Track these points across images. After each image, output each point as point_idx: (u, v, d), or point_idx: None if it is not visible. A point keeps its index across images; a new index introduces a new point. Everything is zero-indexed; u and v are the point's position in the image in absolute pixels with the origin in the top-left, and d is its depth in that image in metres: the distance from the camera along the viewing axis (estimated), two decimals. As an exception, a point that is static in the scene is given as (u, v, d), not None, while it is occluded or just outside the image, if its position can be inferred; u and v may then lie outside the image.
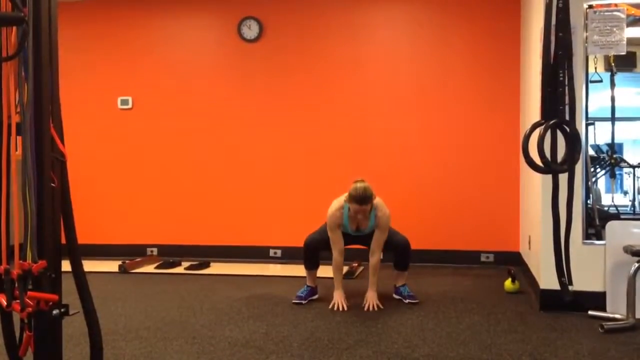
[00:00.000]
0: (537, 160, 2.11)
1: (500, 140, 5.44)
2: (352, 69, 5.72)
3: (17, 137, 1.80)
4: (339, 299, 3.93)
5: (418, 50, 5.66)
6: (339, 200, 4.02)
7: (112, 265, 5.33)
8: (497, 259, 5.44)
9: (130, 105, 6.11)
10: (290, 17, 5.85)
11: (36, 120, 1.77)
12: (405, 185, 5.62)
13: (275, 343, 3.13)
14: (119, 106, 6.12)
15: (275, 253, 5.84)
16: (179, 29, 6.06)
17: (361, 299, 4.07)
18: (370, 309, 3.87)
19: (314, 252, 4.15)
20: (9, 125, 1.81)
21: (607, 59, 4.74)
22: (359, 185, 3.87)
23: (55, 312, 1.80)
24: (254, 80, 5.90)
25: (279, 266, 5.58)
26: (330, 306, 3.91)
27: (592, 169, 5.18)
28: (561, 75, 2.06)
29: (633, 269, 3.39)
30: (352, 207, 3.87)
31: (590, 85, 3.93)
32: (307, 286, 4.16)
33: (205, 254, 5.78)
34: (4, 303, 1.72)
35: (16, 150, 1.81)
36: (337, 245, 4.00)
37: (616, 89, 4.89)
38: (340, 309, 3.87)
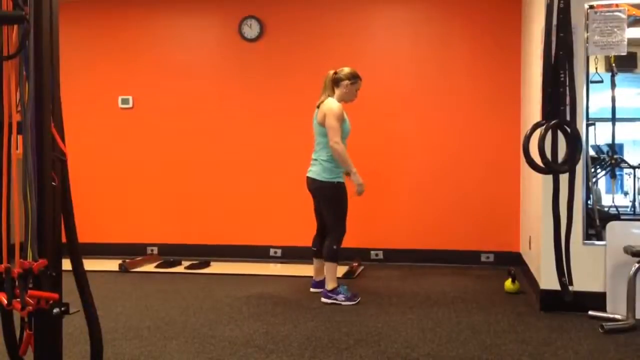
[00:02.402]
0: (538, 160, 2.11)
1: (501, 140, 5.44)
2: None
3: (18, 136, 1.80)
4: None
5: (418, 50, 5.65)
6: (333, 100, 4.15)
7: (112, 264, 5.33)
8: (497, 259, 5.44)
9: (130, 105, 6.11)
10: (291, 17, 5.85)
11: (37, 119, 1.77)
12: (405, 185, 5.63)
13: (275, 342, 3.13)
14: (120, 105, 6.12)
15: (275, 252, 5.84)
16: (179, 28, 6.06)
17: (360, 298, 4.07)
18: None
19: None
20: (10, 124, 1.81)
21: (607, 59, 4.74)
22: (344, 68, 4.24)
23: (55, 310, 1.80)
24: (254, 80, 5.90)
25: (279, 265, 5.58)
26: (360, 193, 4.11)
27: (593, 170, 5.18)
28: (562, 75, 2.06)
29: (633, 269, 3.39)
30: (359, 84, 4.27)
31: (590, 85, 3.93)
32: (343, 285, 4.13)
33: (205, 253, 5.78)
34: (5, 302, 1.72)
35: (17, 149, 1.82)
36: (340, 136, 4.09)
37: (617, 89, 4.89)
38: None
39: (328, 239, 4.11)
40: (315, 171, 4.18)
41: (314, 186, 4.19)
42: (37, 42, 1.76)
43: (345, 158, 4.06)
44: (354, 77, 4.22)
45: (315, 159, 4.22)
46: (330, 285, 4.03)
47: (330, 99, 4.16)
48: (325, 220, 4.23)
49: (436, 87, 5.59)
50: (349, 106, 5.86)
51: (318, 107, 4.20)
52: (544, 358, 2.89)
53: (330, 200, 4.15)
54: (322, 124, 4.11)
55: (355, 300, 3.97)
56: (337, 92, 4.20)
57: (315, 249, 4.34)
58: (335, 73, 4.22)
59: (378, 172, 5.53)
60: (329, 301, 3.98)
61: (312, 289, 4.37)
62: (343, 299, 3.97)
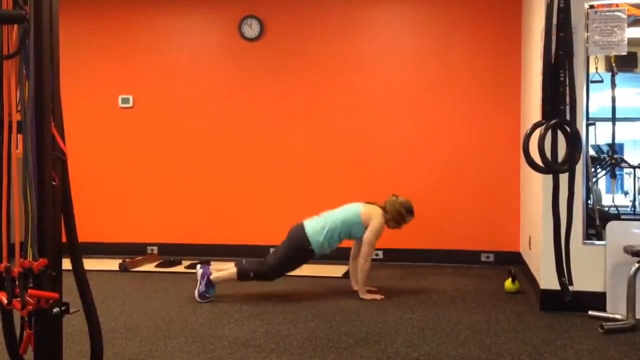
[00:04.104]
0: (538, 160, 2.11)
1: (501, 140, 5.44)
2: (353, 68, 5.72)
3: (18, 135, 1.80)
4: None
5: (419, 50, 5.65)
6: (381, 214, 4.18)
7: (112, 264, 5.33)
8: (497, 258, 5.44)
9: (131, 104, 6.11)
10: (291, 16, 5.85)
11: (37, 118, 1.77)
12: (405, 185, 5.61)
13: (275, 342, 3.13)
14: (120, 104, 6.12)
15: (275, 252, 5.84)
16: (180, 27, 6.06)
17: (359, 298, 4.08)
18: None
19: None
20: (10, 124, 1.81)
21: (608, 59, 4.74)
22: (402, 199, 4.26)
23: (55, 310, 1.80)
24: (254, 79, 5.90)
25: (279, 265, 5.57)
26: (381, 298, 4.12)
27: (593, 169, 5.18)
28: (562, 75, 2.06)
29: (633, 269, 3.39)
30: (409, 218, 4.27)
31: (591, 85, 3.93)
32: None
33: (205, 253, 5.77)
34: (5, 301, 1.72)
35: (17, 148, 1.82)
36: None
37: (617, 89, 4.89)
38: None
39: (260, 265, 4.16)
40: (311, 228, 4.14)
41: (294, 233, 4.16)
42: (37, 42, 1.76)
43: (367, 277, 4.16)
44: (409, 213, 4.28)
45: (325, 223, 4.15)
46: (213, 276, 4.10)
47: (381, 212, 4.19)
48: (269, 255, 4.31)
49: (436, 86, 5.59)
50: (351, 105, 5.89)
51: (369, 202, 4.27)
52: (543, 358, 2.89)
53: (292, 243, 4.15)
54: (364, 222, 4.16)
55: (201, 299, 4.04)
56: (389, 214, 4.21)
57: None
58: (395, 196, 4.28)
59: (378, 171, 5.53)
60: (200, 283, 4.07)
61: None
62: (201, 290, 4.05)
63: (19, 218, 1.79)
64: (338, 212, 4.21)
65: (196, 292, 4.03)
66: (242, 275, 4.08)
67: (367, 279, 4.15)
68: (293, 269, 4.18)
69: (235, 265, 4.15)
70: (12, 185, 1.82)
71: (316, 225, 4.12)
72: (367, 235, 4.12)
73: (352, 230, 4.17)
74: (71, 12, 5.92)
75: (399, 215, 4.21)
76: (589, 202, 4.00)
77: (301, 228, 4.14)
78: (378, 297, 4.12)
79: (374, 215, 4.15)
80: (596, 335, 3.24)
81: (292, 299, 4.12)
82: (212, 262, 5.46)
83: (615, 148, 5.35)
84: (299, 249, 4.09)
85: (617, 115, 5.01)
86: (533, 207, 4.38)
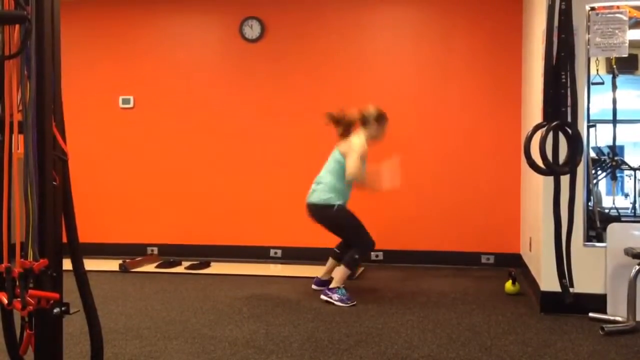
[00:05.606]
0: (539, 161, 2.11)
1: (502, 142, 5.44)
2: (354, 70, 5.72)
3: (19, 135, 1.80)
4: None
5: (420, 51, 5.65)
6: (360, 136, 4.20)
7: (112, 264, 5.33)
8: (497, 260, 5.44)
9: (131, 105, 6.11)
10: (292, 17, 5.85)
11: (38, 118, 1.77)
12: (406, 186, 5.60)
13: (276, 343, 3.13)
14: (121, 105, 6.12)
15: (275, 253, 5.84)
16: (181, 28, 6.06)
17: (360, 299, 4.07)
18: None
19: None
20: (11, 124, 1.81)
21: (608, 61, 4.74)
22: (375, 108, 4.27)
23: (56, 310, 1.80)
24: (255, 80, 5.90)
25: (279, 266, 5.58)
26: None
27: (593, 171, 5.18)
28: (563, 77, 2.06)
29: (634, 271, 3.39)
30: (385, 125, 4.31)
31: (591, 87, 3.93)
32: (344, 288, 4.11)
33: (205, 254, 5.78)
34: (5, 301, 1.72)
35: (18, 148, 1.82)
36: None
37: (618, 91, 4.89)
38: None
39: (353, 248, 4.16)
40: (316, 195, 4.22)
41: (315, 211, 4.23)
42: (39, 42, 1.76)
43: (371, 179, 4.19)
44: (384, 120, 4.32)
45: (319, 182, 4.26)
46: (334, 284, 4.06)
47: (357, 134, 4.23)
48: (346, 240, 4.30)
49: (437, 87, 5.59)
50: (352, 106, 5.87)
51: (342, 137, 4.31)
52: (544, 360, 2.89)
53: (335, 220, 4.20)
54: (344, 154, 4.18)
55: (348, 303, 3.96)
56: (366, 131, 4.26)
57: (337, 251, 4.40)
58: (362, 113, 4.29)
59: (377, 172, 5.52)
60: (325, 298, 4.00)
61: (314, 286, 4.40)
62: (337, 298, 3.98)
63: (20, 218, 1.79)
64: (325, 168, 4.30)
65: (340, 304, 3.95)
66: (349, 266, 4.10)
67: (372, 182, 4.21)
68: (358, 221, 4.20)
69: (338, 262, 4.23)
70: (12, 185, 1.82)
71: (319, 192, 4.20)
72: (349, 153, 4.13)
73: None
74: (72, 13, 5.92)
75: (377, 122, 4.25)
76: (589, 204, 4.00)
77: (314, 207, 4.21)
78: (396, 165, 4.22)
79: (353, 141, 4.18)
80: (596, 338, 3.24)
81: (292, 300, 4.12)
82: (212, 264, 5.49)
83: (615, 150, 5.35)
84: (338, 215, 4.15)
85: (618, 118, 5.01)
86: (533, 208, 4.38)
